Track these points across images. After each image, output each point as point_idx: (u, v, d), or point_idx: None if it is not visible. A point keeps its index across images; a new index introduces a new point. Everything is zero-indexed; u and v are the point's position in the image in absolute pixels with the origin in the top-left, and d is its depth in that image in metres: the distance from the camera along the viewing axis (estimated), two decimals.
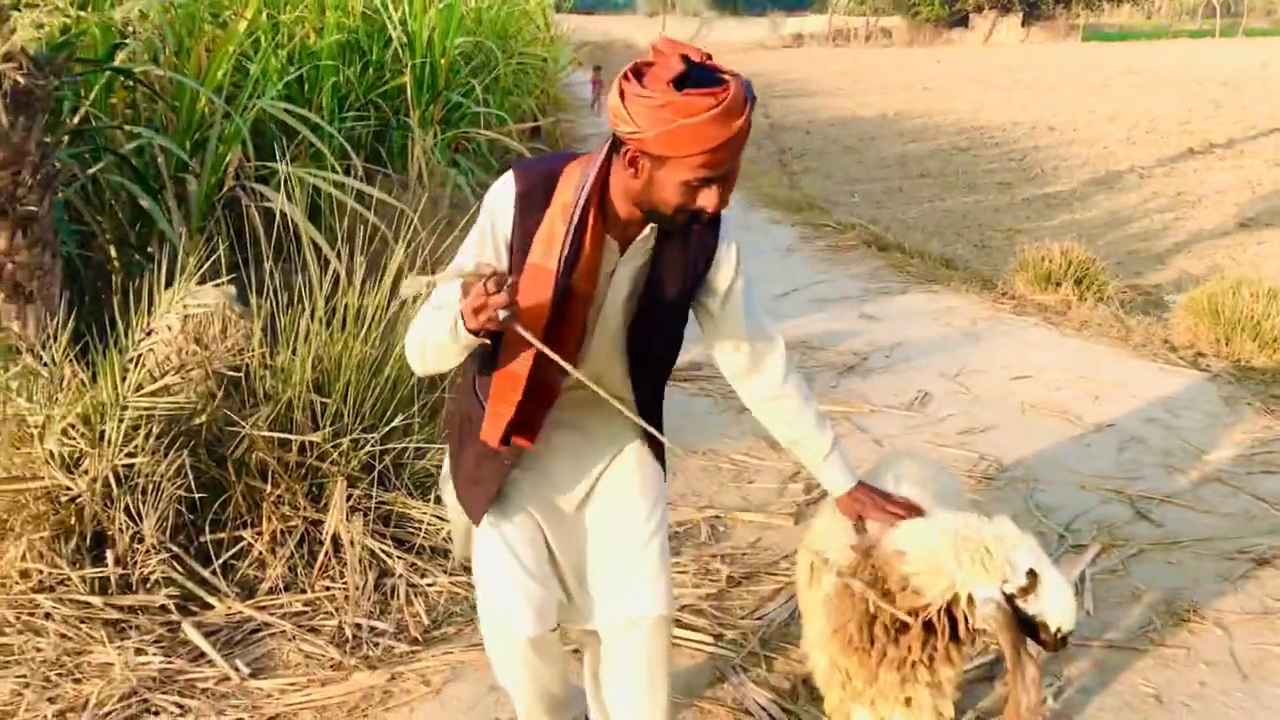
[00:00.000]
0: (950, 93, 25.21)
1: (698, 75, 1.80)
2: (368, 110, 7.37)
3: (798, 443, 2.30)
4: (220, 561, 3.31)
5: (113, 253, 4.92)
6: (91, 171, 4.79)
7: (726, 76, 1.82)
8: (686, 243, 2.08)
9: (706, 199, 1.90)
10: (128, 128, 4.97)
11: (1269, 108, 20.61)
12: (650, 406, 2.24)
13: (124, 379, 3.24)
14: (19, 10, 3.47)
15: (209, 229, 4.94)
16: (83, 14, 3.69)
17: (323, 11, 7.07)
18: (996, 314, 6.74)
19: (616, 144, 1.92)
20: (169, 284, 3.76)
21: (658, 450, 2.34)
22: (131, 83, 5.27)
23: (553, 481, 2.26)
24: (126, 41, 5.11)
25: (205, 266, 3.79)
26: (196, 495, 3.28)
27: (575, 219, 1.97)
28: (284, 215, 4.32)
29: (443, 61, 7.74)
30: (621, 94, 1.84)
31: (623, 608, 2.20)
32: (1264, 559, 3.49)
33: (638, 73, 1.84)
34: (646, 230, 2.04)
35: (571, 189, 1.99)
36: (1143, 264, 10.04)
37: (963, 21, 56.07)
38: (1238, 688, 2.87)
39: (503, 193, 2.04)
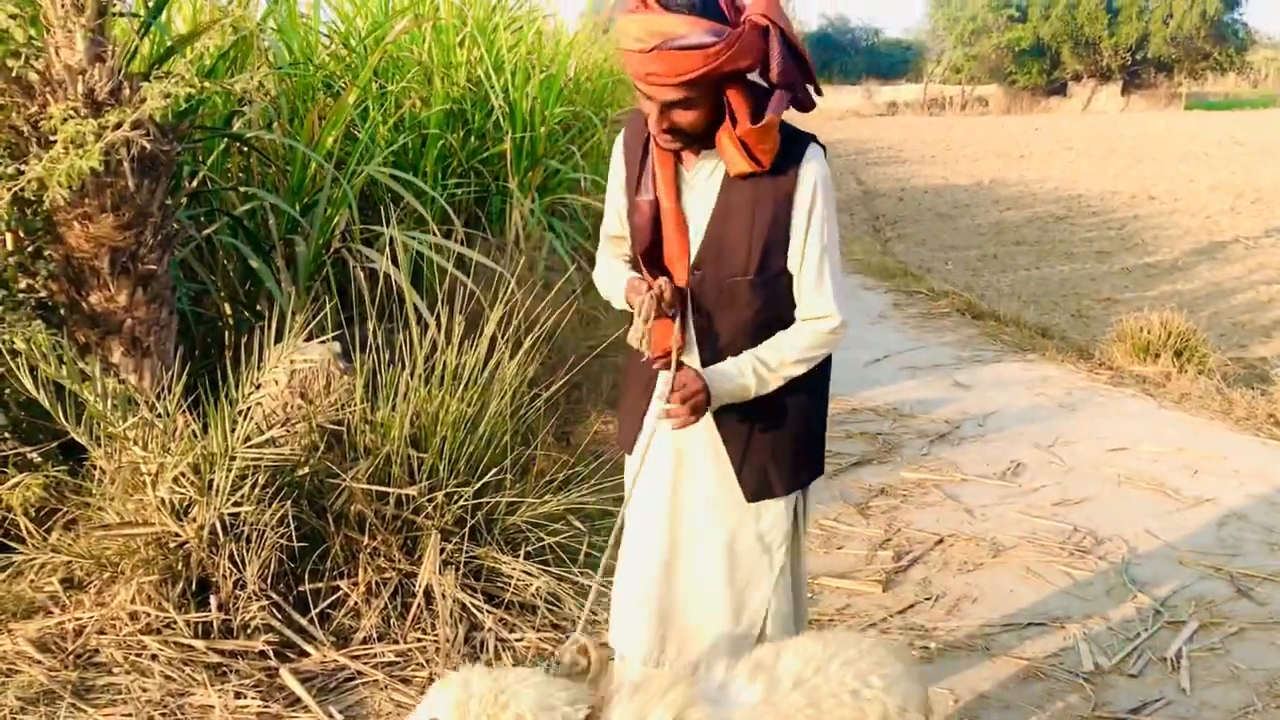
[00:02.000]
0: (1046, 161, 24.99)
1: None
2: (468, 176, 7.58)
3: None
4: (317, 610, 3.41)
5: (225, 309, 5.13)
6: (206, 232, 5.01)
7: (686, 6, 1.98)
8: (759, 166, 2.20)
9: (653, 122, 2.12)
10: (243, 189, 5.20)
11: None
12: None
13: (233, 430, 3.38)
14: (149, 81, 3.68)
15: (315, 288, 5.12)
16: (206, 84, 3.90)
17: (429, 82, 7.31)
18: (1093, 384, 6.63)
19: None
20: (277, 340, 3.91)
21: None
22: (245, 148, 5.52)
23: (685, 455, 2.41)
24: (243, 110, 5.37)
25: (312, 324, 3.93)
26: (297, 545, 3.39)
27: (643, 140, 2.27)
28: (387, 276, 4.49)
29: (542, 130, 7.93)
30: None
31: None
32: None
33: None
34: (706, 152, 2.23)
35: None
36: (1248, 336, 9.78)
37: (1061, 90, 55.74)
38: None
39: (618, 141, 2.41)
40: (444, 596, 3.44)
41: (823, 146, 2.26)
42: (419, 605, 3.46)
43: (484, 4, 8.56)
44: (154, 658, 3.15)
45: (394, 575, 3.52)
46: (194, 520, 3.27)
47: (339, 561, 3.54)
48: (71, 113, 3.52)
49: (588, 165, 8.56)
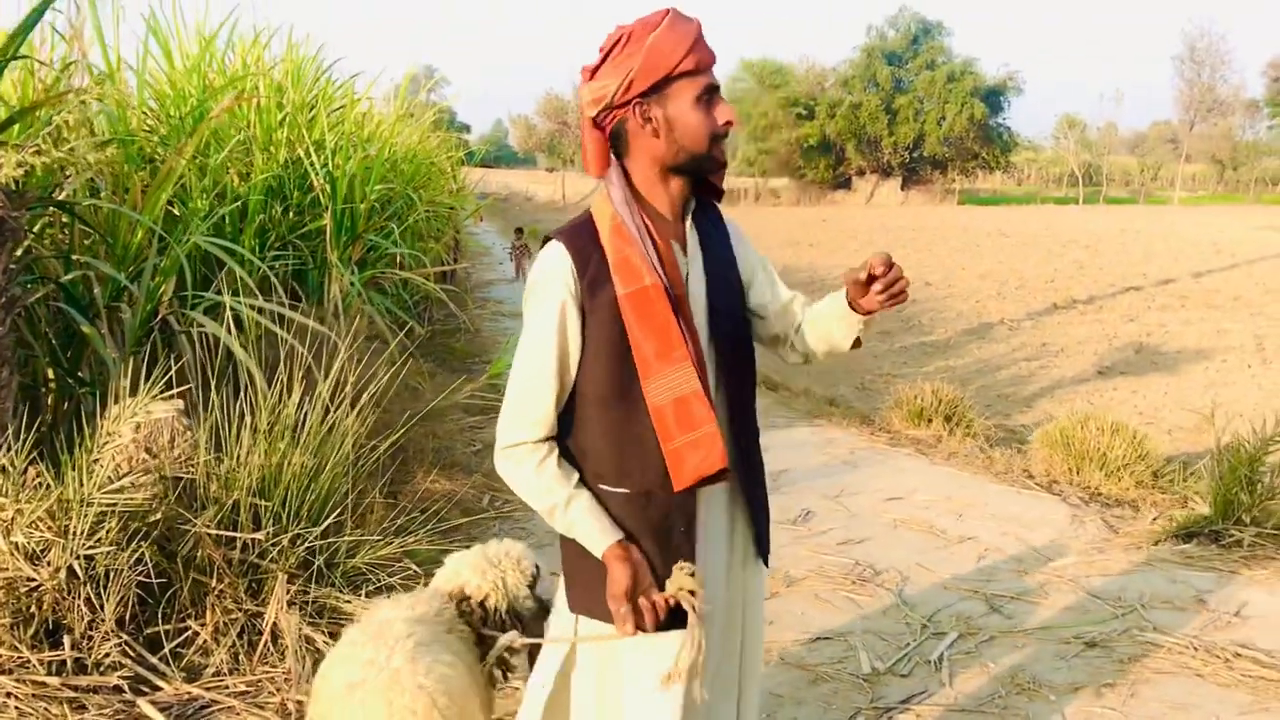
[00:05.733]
0: (833, 249, 26.67)
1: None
2: (286, 249, 7.79)
3: (820, 320, 2.12)
4: (169, 649, 3.59)
5: (49, 374, 5.21)
6: (31, 299, 5.10)
7: None
8: (712, 223, 2.16)
9: (722, 111, 1.99)
10: (75, 257, 5.31)
11: (1125, 268, 22.30)
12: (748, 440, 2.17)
13: (90, 477, 3.56)
14: (4, 149, 3.87)
15: (144, 351, 5.26)
16: (60, 154, 4.08)
17: (248, 156, 7.52)
18: (873, 445, 7.34)
19: (619, 148, 2.05)
20: (115, 401, 4.10)
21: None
22: (67, 217, 5.63)
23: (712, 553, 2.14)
24: (66, 180, 5.51)
25: (153, 385, 4.12)
26: (154, 583, 3.58)
27: (635, 224, 1.99)
28: (213, 341, 4.72)
29: (362, 206, 8.24)
30: (592, 76, 2.00)
31: None
32: (1093, 642, 4.01)
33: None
34: (688, 220, 2.10)
35: (608, 217, 2.01)
36: (1011, 406, 10.86)
37: (846, 184, 59.22)
38: None
39: (556, 259, 1.99)
40: (289, 633, 3.68)
41: None
42: (265, 643, 3.69)
43: (302, 87, 8.85)
44: (8, 695, 3.28)
45: (240, 615, 3.74)
46: (49, 564, 3.43)
47: (187, 604, 3.73)
48: None
49: (406, 243, 8.91)
